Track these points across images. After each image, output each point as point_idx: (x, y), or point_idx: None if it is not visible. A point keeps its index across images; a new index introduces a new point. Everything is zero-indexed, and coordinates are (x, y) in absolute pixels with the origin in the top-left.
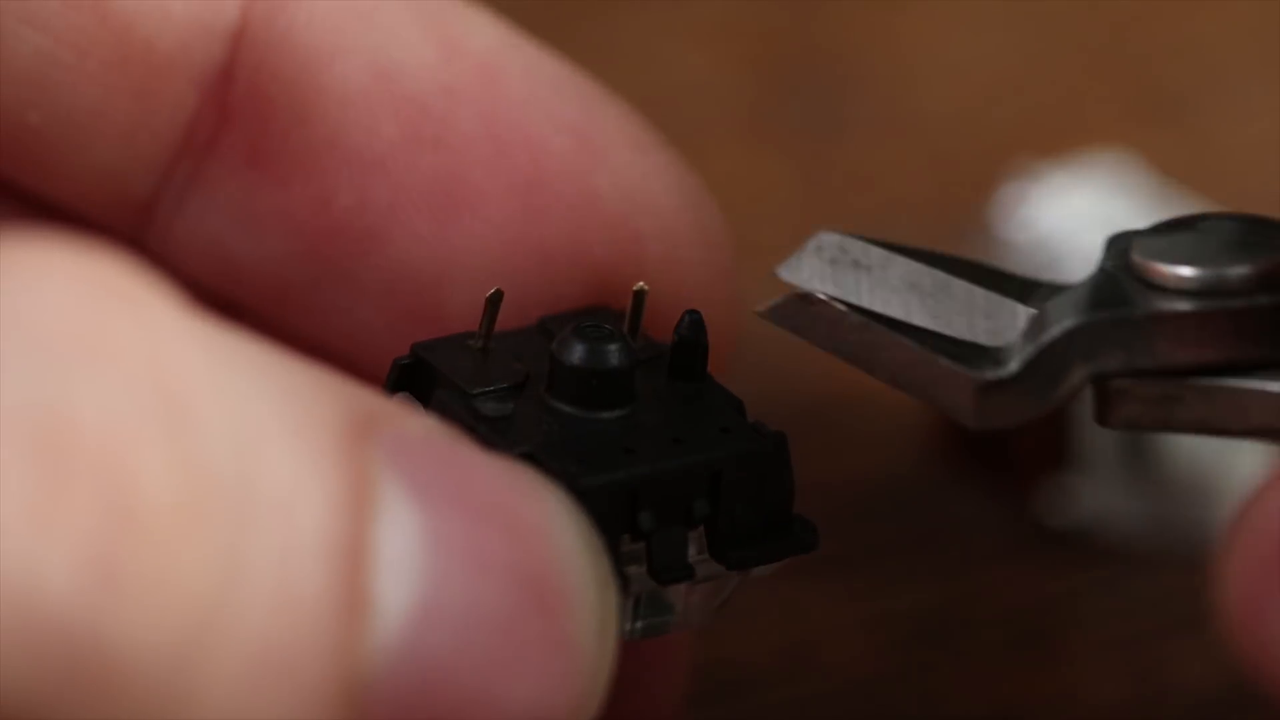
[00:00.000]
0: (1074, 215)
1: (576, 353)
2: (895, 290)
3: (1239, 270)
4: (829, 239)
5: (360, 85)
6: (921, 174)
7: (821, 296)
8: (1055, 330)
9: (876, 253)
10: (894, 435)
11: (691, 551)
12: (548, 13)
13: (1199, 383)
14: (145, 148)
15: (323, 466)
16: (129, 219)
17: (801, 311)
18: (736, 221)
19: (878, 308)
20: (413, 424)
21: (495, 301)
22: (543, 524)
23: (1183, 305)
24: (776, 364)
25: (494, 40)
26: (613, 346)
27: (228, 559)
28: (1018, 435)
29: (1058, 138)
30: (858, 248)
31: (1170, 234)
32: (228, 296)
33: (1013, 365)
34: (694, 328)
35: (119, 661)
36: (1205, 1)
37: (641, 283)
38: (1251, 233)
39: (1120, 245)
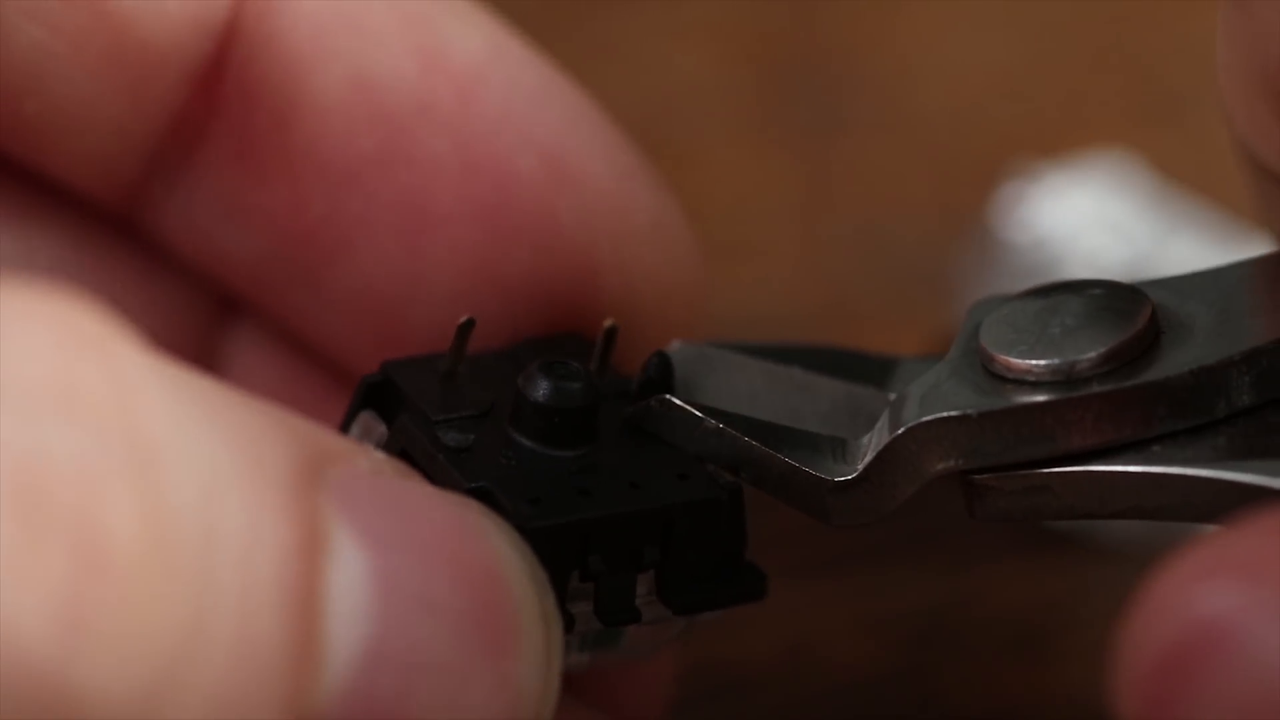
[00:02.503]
0: (1074, 215)
1: (540, 389)
2: (754, 393)
3: (1086, 355)
4: (687, 349)
5: (339, 96)
6: (921, 174)
7: (677, 402)
8: (898, 431)
9: (734, 358)
10: None
11: (642, 590)
12: (547, 12)
13: (1061, 470)
14: (137, 136)
15: (278, 513)
16: (121, 200)
17: (661, 416)
18: (735, 222)
19: (739, 410)
20: (361, 461)
21: (465, 329)
22: (490, 564)
23: (1031, 398)
24: None
25: (478, 48)
26: (577, 385)
27: (193, 609)
28: None
29: (1058, 138)
30: (715, 355)
31: (1020, 313)
32: (216, 281)
33: (858, 466)
34: (660, 369)
35: (87, 707)
36: (1205, 1)
37: (611, 320)
38: (1105, 303)
39: (977, 319)
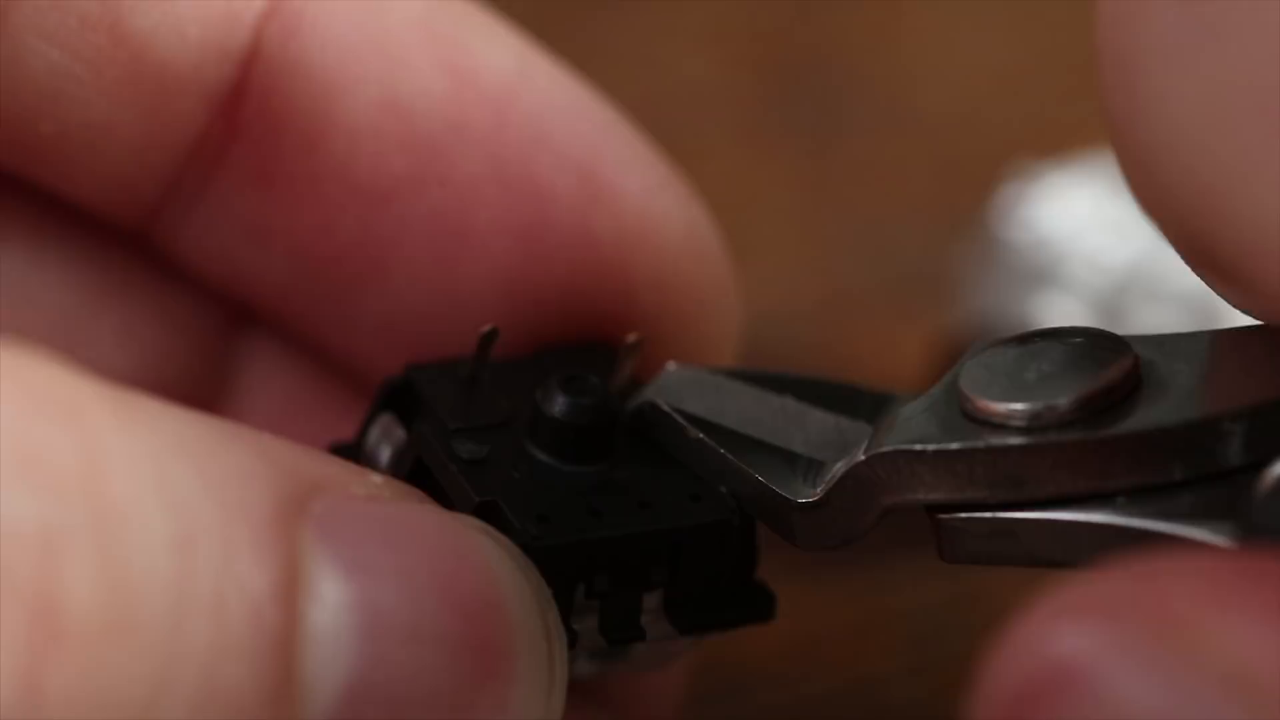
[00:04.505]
0: (1074, 215)
1: (557, 405)
2: (744, 420)
3: (1055, 403)
4: (683, 372)
5: (370, 119)
6: (921, 174)
7: (665, 408)
8: (855, 459)
9: (728, 384)
10: None
11: (650, 606)
12: (547, 13)
13: (1028, 516)
14: (155, 159)
15: (253, 555)
16: (138, 220)
17: (651, 421)
18: (736, 223)
19: (726, 425)
20: (355, 486)
21: (489, 339)
22: (486, 586)
23: (1002, 440)
24: (775, 366)
25: (508, 66)
26: (593, 402)
27: (159, 666)
28: None
29: (1058, 138)
30: (709, 379)
31: (1001, 356)
32: (236, 299)
33: (818, 490)
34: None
35: None
36: None
37: (634, 335)
38: (1085, 352)
39: (967, 359)
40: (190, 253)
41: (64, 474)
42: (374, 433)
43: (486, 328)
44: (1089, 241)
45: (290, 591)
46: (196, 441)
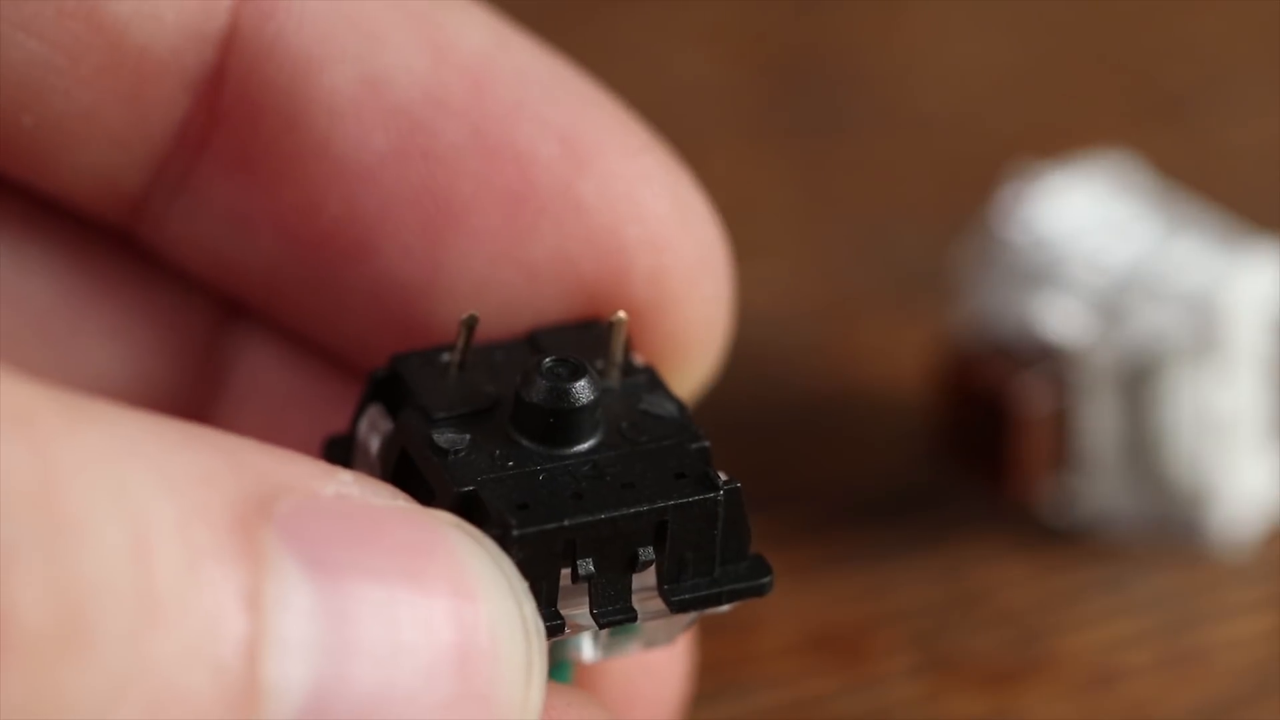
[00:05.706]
0: (1074, 215)
1: (537, 390)
2: None
3: None
4: None
5: (350, 95)
6: (921, 174)
7: None
8: None
9: None
10: (894, 436)
11: (647, 585)
12: (547, 13)
13: None
14: (137, 148)
15: (215, 561)
16: (122, 213)
17: None
18: (736, 221)
19: None
20: (323, 485)
21: (470, 325)
22: (459, 584)
23: None
24: (776, 366)
25: (485, 40)
26: (574, 385)
27: (115, 676)
28: (1017, 435)
29: (1058, 138)
30: None
31: None
32: (224, 290)
33: None
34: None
35: None
36: (1205, 1)
37: (621, 312)
38: None
39: None
40: (176, 245)
41: (19, 490)
42: (363, 425)
43: (466, 314)
44: (1089, 241)
45: (253, 596)
46: (153, 445)
